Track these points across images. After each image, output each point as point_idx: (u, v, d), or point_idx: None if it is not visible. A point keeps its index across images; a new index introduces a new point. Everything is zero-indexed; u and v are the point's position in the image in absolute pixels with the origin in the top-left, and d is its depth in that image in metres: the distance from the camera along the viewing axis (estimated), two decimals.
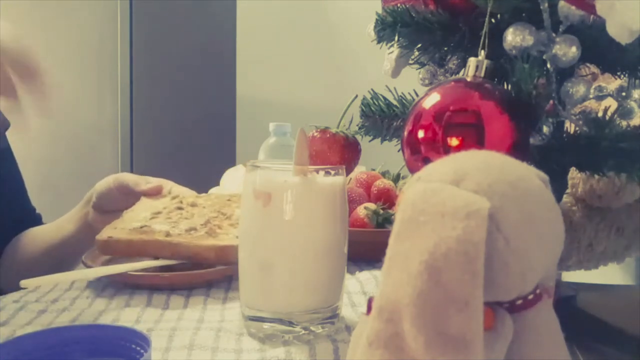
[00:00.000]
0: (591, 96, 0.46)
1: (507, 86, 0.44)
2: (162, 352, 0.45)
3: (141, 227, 0.66)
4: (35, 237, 0.90)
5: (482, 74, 0.42)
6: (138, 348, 0.39)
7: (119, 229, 0.67)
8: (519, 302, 0.27)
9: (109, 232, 0.66)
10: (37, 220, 0.96)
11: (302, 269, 0.48)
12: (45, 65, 0.58)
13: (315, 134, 0.56)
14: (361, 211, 0.76)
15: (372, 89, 0.54)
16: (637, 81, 0.46)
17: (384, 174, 0.88)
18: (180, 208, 0.72)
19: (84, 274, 0.64)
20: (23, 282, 0.59)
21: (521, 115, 0.40)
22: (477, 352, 0.23)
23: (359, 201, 0.80)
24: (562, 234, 0.28)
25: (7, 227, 0.90)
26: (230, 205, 0.74)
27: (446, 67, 0.53)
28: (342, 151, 0.55)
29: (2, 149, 0.90)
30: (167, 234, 0.65)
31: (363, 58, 1.96)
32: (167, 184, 0.82)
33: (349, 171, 0.54)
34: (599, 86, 0.48)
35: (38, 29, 1.65)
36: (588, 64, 0.47)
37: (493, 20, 0.44)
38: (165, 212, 0.71)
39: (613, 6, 0.34)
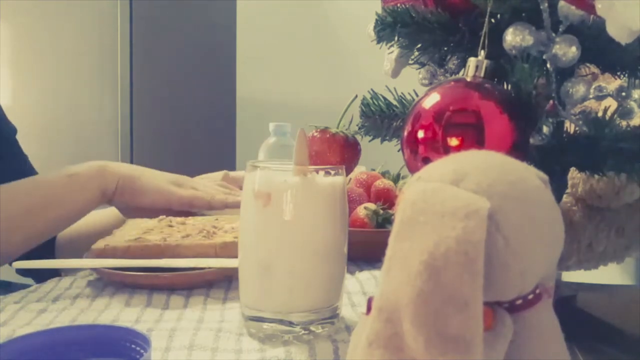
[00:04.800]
0: (591, 96, 0.46)
1: (507, 86, 0.44)
2: (162, 352, 0.45)
3: (136, 239, 0.66)
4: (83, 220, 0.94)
5: (482, 74, 0.42)
6: (138, 348, 0.39)
7: (114, 240, 0.67)
8: (519, 302, 0.27)
9: (105, 241, 0.66)
10: None
11: (302, 269, 0.48)
12: None
13: (315, 134, 0.56)
14: (361, 211, 0.76)
15: (372, 89, 0.54)
16: (637, 81, 0.46)
17: (384, 174, 0.88)
18: (170, 226, 0.73)
19: (79, 263, 0.64)
20: (16, 264, 0.63)
21: (521, 115, 0.40)
22: (476, 352, 0.23)
23: (359, 201, 0.80)
24: (562, 234, 0.28)
25: None
26: (220, 222, 0.74)
27: (446, 67, 0.53)
28: (342, 151, 0.55)
29: (17, 154, 0.94)
30: (165, 240, 0.65)
31: (363, 58, 1.95)
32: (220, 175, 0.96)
33: (349, 171, 0.54)
34: (599, 86, 0.48)
35: (38, 28, 1.65)
36: (588, 64, 0.47)
37: (493, 20, 0.44)
38: (157, 229, 0.71)
39: (613, 6, 0.34)
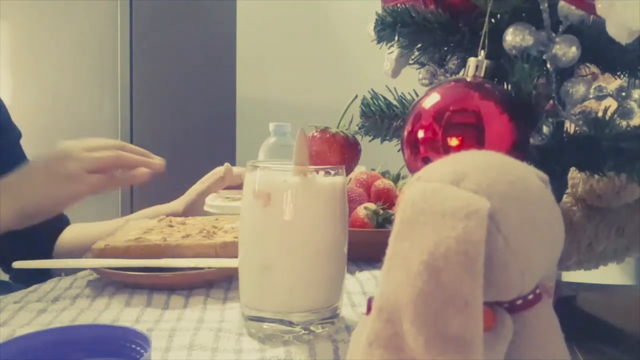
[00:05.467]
0: (591, 96, 0.46)
1: (507, 86, 0.44)
2: (162, 352, 0.45)
3: (136, 239, 0.66)
4: (83, 231, 0.94)
5: (482, 74, 0.42)
6: (138, 348, 0.39)
7: (114, 240, 0.67)
8: (519, 302, 0.27)
9: (105, 241, 0.66)
10: (66, 217, 0.99)
11: (302, 269, 0.48)
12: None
13: (315, 134, 0.56)
14: (361, 211, 0.76)
15: (372, 89, 0.54)
16: (637, 81, 0.46)
17: (384, 174, 0.88)
18: (170, 226, 0.73)
19: (79, 263, 0.64)
20: (15, 264, 0.63)
21: (521, 115, 0.40)
22: (477, 352, 0.23)
23: (359, 201, 0.80)
24: (562, 234, 0.28)
25: (46, 228, 0.92)
26: (220, 222, 0.74)
27: (446, 67, 0.53)
28: (342, 151, 0.55)
29: (21, 159, 0.93)
30: (165, 240, 0.65)
31: (363, 58, 1.95)
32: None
33: (349, 171, 0.54)
34: (599, 86, 0.48)
35: (38, 28, 1.65)
36: (588, 64, 0.47)
37: (493, 20, 0.44)
38: (157, 229, 0.71)
39: (613, 6, 0.34)
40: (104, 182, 0.77)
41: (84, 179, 0.75)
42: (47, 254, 0.91)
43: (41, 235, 0.91)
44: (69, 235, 0.95)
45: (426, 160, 0.40)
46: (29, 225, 0.77)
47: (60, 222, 0.96)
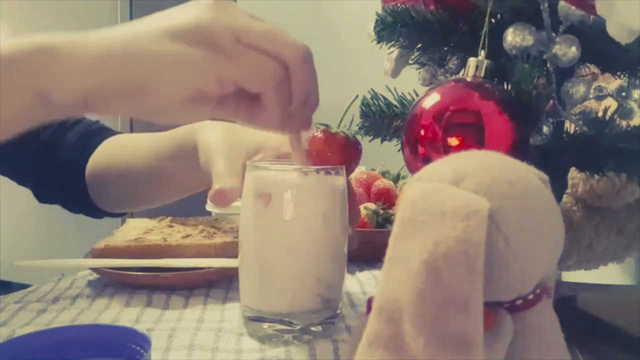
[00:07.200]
0: (591, 96, 0.46)
1: (507, 86, 0.44)
2: (162, 352, 0.45)
3: (136, 239, 0.66)
4: (129, 145, 0.75)
5: (482, 74, 0.42)
6: (138, 348, 0.39)
7: (114, 240, 0.67)
8: (519, 302, 0.27)
9: (104, 242, 0.66)
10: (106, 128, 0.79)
11: (302, 269, 0.48)
12: None
13: (316, 133, 0.56)
14: (361, 211, 0.76)
15: (372, 89, 0.54)
16: (637, 81, 0.46)
17: (384, 174, 0.88)
18: (170, 226, 0.73)
19: (79, 263, 0.64)
20: (17, 263, 0.62)
21: (521, 115, 0.40)
22: (477, 352, 0.23)
23: (359, 201, 0.80)
24: (562, 234, 0.28)
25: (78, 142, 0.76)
26: (220, 222, 0.74)
27: (446, 67, 0.53)
28: (342, 151, 0.55)
29: None
30: (165, 240, 0.65)
31: (363, 58, 1.95)
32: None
33: (349, 171, 0.54)
34: (599, 86, 0.48)
35: (38, 29, 1.65)
36: (588, 64, 0.47)
37: (493, 20, 0.44)
38: (157, 229, 0.71)
39: (613, 6, 0.34)
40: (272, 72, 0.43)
41: (238, 52, 0.42)
42: (81, 172, 0.75)
43: (74, 148, 0.75)
44: (101, 153, 0.75)
45: (426, 160, 0.40)
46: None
47: (94, 136, 0.76)
